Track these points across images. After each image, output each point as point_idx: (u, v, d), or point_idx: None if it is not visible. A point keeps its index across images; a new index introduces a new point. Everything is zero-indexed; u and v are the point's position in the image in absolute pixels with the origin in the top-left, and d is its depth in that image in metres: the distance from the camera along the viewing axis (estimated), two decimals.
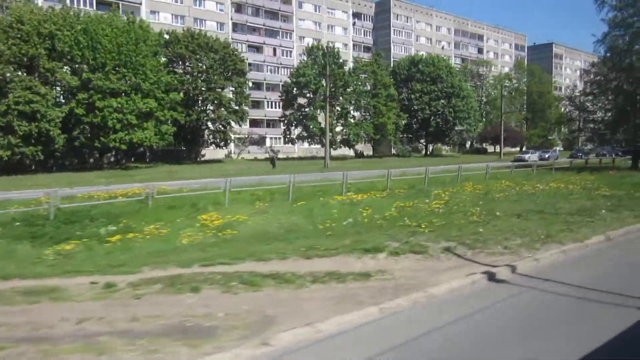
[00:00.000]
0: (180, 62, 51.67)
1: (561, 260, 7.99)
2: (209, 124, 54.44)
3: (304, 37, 73.16)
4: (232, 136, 66.89)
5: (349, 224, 11.54)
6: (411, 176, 23.84)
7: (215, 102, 52.60)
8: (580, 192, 16.78)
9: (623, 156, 37.44)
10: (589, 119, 42.82)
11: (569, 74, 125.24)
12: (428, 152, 72.59)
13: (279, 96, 60.65)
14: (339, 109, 58.31)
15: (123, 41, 38.98)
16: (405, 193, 17.16)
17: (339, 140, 57.44)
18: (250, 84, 67.66)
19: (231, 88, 54.02)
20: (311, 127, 55.46)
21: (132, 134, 39.61)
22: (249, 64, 68.24)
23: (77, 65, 39.22)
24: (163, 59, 48.73)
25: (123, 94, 39.53)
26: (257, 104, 68.38)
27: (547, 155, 52.85)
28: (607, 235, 9.64)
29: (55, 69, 37.74)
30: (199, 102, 51.08)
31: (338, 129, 59.33)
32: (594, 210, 12.32)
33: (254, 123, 67.72)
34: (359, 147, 65.33)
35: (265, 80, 69.72)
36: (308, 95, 57.53)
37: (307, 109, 57.50)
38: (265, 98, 69.88)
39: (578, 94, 59.97)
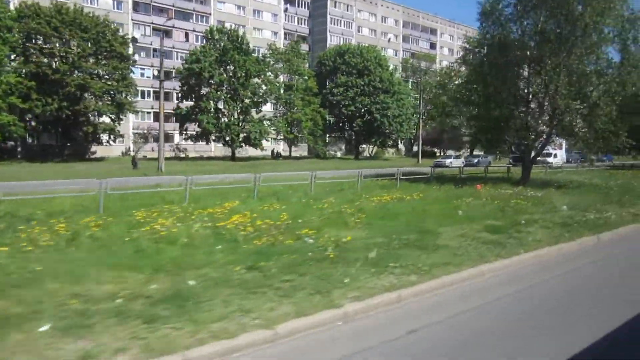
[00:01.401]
0: (42, 41, 43.08)
1: None
2: (93, 116, 46.29)
3: (223, 22, 64.81)
4: (133, 131, 59.28)
5: None
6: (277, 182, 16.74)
7: (91, 90, 44.33)
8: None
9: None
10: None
11: None
12: (365, 154, 65.23)
13: (179, 86, 52.46)
14: (245, 103, 50.40)
15: None
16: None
17: (240, 140, 49.48)
18: (155, 72, 59.75)
19: (112, 75, 45.73)
20: (204, 122, 47.47)
21: None
22: (154, 49, 60.12)
23: None
24: (15, 36, 40.40)
25: None
26: (166, 96, 60.04)
27: (475, 161, 45.78)
28: None
29: None
30: (60, 89, 42.51)
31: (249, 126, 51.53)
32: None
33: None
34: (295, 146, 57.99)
35: (174, 68, 61.38)
36: (213, 85, 49.53)
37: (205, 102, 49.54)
38: (175, 89, 61.59)
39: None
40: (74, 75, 42.82)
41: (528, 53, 19.61)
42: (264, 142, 54.28)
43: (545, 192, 17.52)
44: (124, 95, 46.98)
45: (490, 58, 20.47)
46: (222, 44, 48.74)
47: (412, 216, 11.25)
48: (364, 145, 66.65)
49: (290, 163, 47.66)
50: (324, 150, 58.76)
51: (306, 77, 55.54)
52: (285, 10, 73.03)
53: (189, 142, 55.16)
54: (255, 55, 52.61)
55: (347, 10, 76.99)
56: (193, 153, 61.16)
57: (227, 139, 49.63)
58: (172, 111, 52.27)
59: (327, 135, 63.74)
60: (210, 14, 64.47)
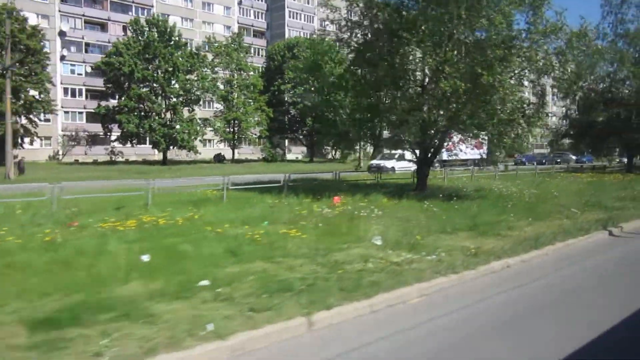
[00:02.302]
0: None
1: None
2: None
3: (168, 15, 59.72)
4: (62, 133, 53.99)
5: None
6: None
7: None
8: None
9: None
10: None
11: None
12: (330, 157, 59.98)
13: (103, 83, 47.31)
14: (173, 101, 45.31)
15: None
16: None
17: (165, 142, 44.29)
18: (88, 69, 54.74)
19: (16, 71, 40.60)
20: (123, 122, 42.38)
21: None
22: (87, 44, 55.09)
23: None
24: None
25: None
26: (100, 94, 54.90)
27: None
28: None
29: None
30: None
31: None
32: None
33: (93, 118, 54.15)
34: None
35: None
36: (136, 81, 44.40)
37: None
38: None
39: None
40: None
41: (405, 15, 14.58)
42: (199, 144, 49.28)
43: (418, 206, 12.56)
44: (31, 92, 41.83)
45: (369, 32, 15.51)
46: (145, 36, 43.67)
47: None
48: (327, 147, 61.54)
49: (225, 167, 42.67)
50: (272, 152, 53.70)
51: (251, 73, 50.54)
52: (240, 2, 68.05)
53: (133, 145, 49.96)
54: (190, 49, 47.60)
55: (307, 3, 71.98)
56: (134, 156, 56.11)
57: (154, 141, 44.57)
58: (93, 110, 47.18)
59: (282, 137, 58.77)
60: (152, 6, 59.37)
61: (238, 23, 67.80)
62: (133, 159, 54.52)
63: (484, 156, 18.73)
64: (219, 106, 52.95)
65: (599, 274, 7.42)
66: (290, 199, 14.03)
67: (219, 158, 54.14)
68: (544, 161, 55.74)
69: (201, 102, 50.25)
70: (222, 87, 49.89)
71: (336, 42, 17.99)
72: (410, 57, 14.39)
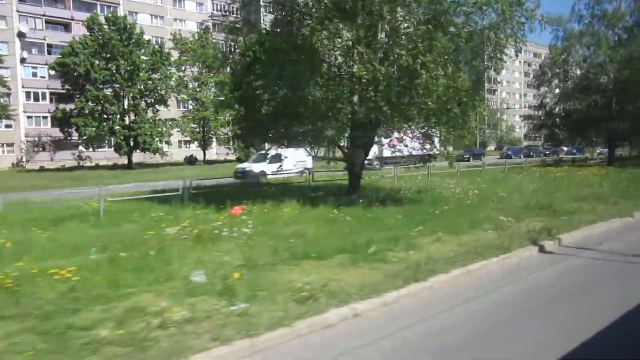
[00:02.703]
0: None
1: None
2: None
3: (136, 13, 57.47)
4: (25, 138, 51.56)
5: None
6: None
7: None
8: None
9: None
10: None
11: (507, 64, 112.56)
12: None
13: (61, 85, 44.92)
14: (133, 102, 43.04)
15: None
16: None
17: (127, 145, 42.01)
18: (51, 72, 52.34)
19: None
20: (81, 125, 40.11)
21: None
22: (49, 45, 52.70)
23: None
24: None
25: None
26: (62, 96, 52.47)
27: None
28: None
29: None
30: None
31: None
32: None
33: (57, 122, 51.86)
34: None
35: None
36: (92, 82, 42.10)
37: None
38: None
39: None
40: None
41: None
42: (173, 145, 47.11)
43: (327, 216, 10.40)
44: None
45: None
46: (102, 34, 41.36)
47: None
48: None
49: (189, 169, 40.41)
50: (245, 152, 51.39)
51: (216, 70, 48.17)
52: None
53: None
54: (153, 47, 45.27)
55: None
56: (104, 161, 53.86)
57: (115, 144, 42.37)
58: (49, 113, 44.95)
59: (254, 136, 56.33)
60: (118, 4, 56.90)
61: (213, 19, 65.33)
62: (103, 164, 52.31)
63: (433, 152, 16.44)
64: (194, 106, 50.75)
65: (493, 321, 5.19)
66: (184, 211, 11.82)
67: (190, 160, 51.95)
68: (532, 154, 53.41)
69: (171, 102, 48.05)
70: (191, 85, 47.62)
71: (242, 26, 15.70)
72: (321, 37, 12.10)
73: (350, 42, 11.50)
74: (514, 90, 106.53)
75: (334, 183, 18.15)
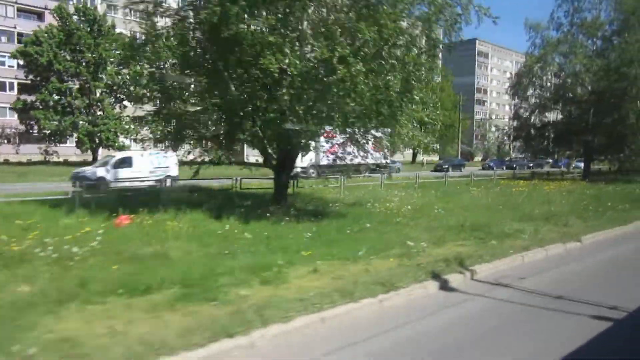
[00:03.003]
0: None
1: None
2: None
3: (116, 6, 55.61)
4: None
5: None
6: None
7: None
8: None
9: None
10: None
11: (496, 74, 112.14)
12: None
13: (24, 75, 42.98)
14: (98, 96, 41.19)
15: None
16: None
17: (89, 141, 40.13)
18: (21, 62, 50.36)
19: None
20: (41, 119, 38.26)
21: None
22: (20, 34, 50.71)
23: None
24: None
25: None
26: (27, 87, 50.43)
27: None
28: None
29: None
30: None
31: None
32: None
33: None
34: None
35: None
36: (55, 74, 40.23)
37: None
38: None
39: None
40: None
41: None
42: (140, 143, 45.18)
43: (217, 235, 8.84)
44: None
45: None
46: (69, 25, 39.54)
47: None
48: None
49: None
50: (218, 154, 49.62)
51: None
52: None
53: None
54: (123, 39, 43.44)
55: None
56: (74, 157, 51.84)
57: (77, 140, 40.56)
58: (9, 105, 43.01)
59: (233, 137, 54.63)
60: None
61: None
62: (73, 160, 50.32)
63: (380, 161, 14.89)
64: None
65: None
66: (66, 218, 10.19)
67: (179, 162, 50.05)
68: (515, 166, 52.00)
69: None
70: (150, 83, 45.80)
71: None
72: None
73: (263, 30, 9.97)
74: (503, 102, 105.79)
75: (266, 192, 16.46)
